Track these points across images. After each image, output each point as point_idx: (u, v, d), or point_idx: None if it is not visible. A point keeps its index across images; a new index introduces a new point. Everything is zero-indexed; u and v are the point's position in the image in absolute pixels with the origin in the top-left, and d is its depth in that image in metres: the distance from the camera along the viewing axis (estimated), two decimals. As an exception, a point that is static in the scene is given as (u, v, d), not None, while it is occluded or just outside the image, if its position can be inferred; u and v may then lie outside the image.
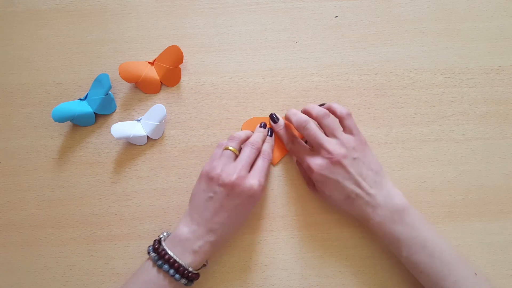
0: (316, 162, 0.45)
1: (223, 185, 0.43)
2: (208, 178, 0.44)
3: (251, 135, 0.49)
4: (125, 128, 0.50)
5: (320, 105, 0.49)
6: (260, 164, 0.46)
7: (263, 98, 0.53)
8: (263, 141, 0.49)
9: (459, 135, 0.52)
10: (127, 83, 0.53)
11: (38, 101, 0.53)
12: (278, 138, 0.52)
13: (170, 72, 0.53)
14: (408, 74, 0.54)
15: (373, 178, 0.45)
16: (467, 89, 0.54)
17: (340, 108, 0.47)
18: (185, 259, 0.41)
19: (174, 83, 0.54)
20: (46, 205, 0.51)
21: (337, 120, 0.47)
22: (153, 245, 0.43)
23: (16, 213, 0.50)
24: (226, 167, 0.44)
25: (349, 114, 0.47)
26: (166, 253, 0.41)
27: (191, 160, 0.51)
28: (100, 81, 0.51)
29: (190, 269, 0.41)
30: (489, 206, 0.51)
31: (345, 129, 0.46)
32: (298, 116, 0.47)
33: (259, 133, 0.49)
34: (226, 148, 0.46)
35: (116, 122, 0.51)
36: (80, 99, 0.52)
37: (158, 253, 0.42)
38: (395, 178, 0.51)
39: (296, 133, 0.51)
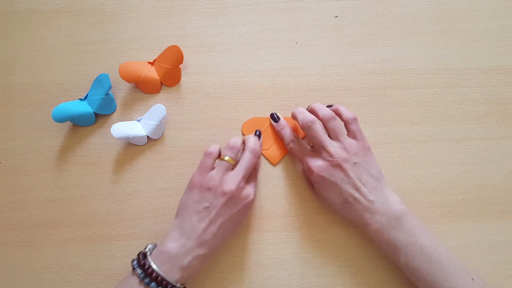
0: (316, 164, 0.45)
1: (222, 194, 0.42)
2: (204, 189, 0.43)
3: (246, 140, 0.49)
4: (125, 128, 0.50)
5: (327, 107, 0.48)
6: (254, 173, 0.47)
7: (263, 98, 0.53)
8: (261, 145, 0.49)
9: (459, 135, 0.52)
10: (127, 83, 0.53)
11: (38, 101, 0.53)
12: (279, 138, 0.52)
13: (170, 72, 0.53)
14: (408, 74, 0.54)
15: (372, 184, 0.44)
16: (467, 89, 0.54)
17: (346, 112, 0.47)
18: (173, 276, 0.40)
19: (174, 83, 0.54)
20: (46, 205, 0.51)
21: (343, 123, 0.47)
22: (138, 259, 0.42)
23: (16, 213, 0.50)
24: (225, 177, 0.43)
25: (355, 119, 0.46)
26: (153, 271, 0.40)
27: (191, 160, 0.51)
28: (100, 81, 0.51)
29: (178, 285, 0.41)
30: (489, 206, 0.51)
31: (350, 133, 0.46)
32: (304, 115, 0.46)
33: (255, 136, 0.48)
34: (222, 159, 0.45)
35: (116, 122, 0.51)
36: (80, 99, 0.52)
37: (144, 270, 0.40)
38: (395, 178, 0.51)
39: (300, 133, 0.51)
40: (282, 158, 0.52)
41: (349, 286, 0.48)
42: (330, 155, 0.44)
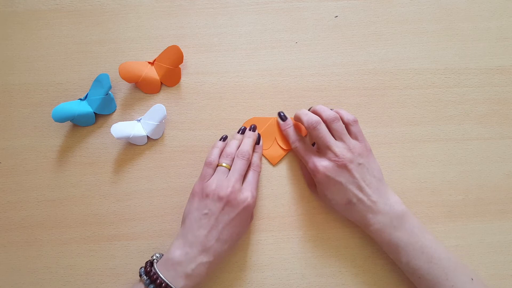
0: (322, 164, 0.45)
1: (218, 199, 0.43)
2: (203, 196, 0.44)
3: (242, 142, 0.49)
4: (125, 128, 0.50)
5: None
6: (251, 176, 0.47)
7: (263, 98, 0.53)
8: (252, 148, 0.49)
9: (459, 135, 0.52)
10: (127, 83, 0.54)
11: (38, 101, 0.53)
12: (279, 138, 0.52)
13: (170, 72, 0.53)
14: (408, 74, 0.54)
15: (375, 185, 0.45)
16: (467, 89, 0.54)
17: (347, 115, 0.47)
18: (178, 284, 0.40)
19: (174, 83, 0.54)
20: (46, 205, 0.51)
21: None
22: (145, 267, 0.43)
23: (16, 213, 0.50)
24: (220, 182, 0.44)
25: (356, 121, 0.47)
26: (158, 277, 0.40)
27: (191, 160, 0.51)
28: (100, 81, 0.51)
29: None
30: (489, 206, 0.51)
31: (351, 135, 0.47)
32: (309, 116, 0.47)
33: (249, 138, 0.49)
34: (220, 165, 0.47)
35: (116, 122, 0.51)
36: (80, 99, 0.52)
37: (149, 276, 0.41)
38: (395, 178, 0.51)
39: (303, 133, 0.51)
40: (282, 158, 0.52)
41: (349, 286, 0.48)
42: (336, 155, 0.44)
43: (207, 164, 0.47)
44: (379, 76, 0.54)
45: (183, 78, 0.54)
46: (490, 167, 0.52)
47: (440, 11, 0.56)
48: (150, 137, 0.52)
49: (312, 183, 0.49)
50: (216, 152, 0.48)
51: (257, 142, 0.50)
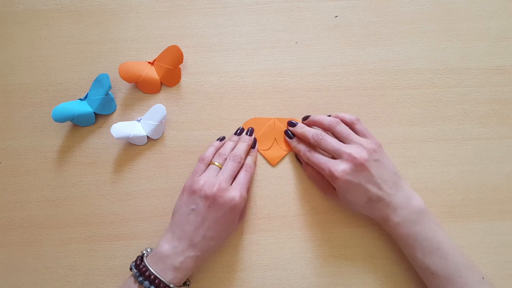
0: (339, 168, 0.44)
1: (205, 197, 0.43)
2: (191, 191, 0.44)
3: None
4: (125, 128, 0.50)
5: (306, 117, 0.51)
6: (242, 176, 0.46)
7: (263, 98, 0.53)
8: (246, 152, 0.49)
9: (459, 135, 0.52)
10: (127, 83, 0.54)
11: (38, 101, 0.53)
12: (279, 139, 0.52)
13: (170, 72, 0.53)
14: (408, 74, 0.54)
15: (393, 180, 0.45)
16: (467, 89, 0.54)
17: (348, 116, 0.48)
18: (166, 276, 0.41)
19: (174, 83, 0.54)
20: (46, 205, 0.51)
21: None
22: (135, 261, 0.44)
23: (16, 213, 0.50)
24: (208, 180, 0.44)
25: (358, 119, 0.48)
26: (147, 270, 0.41)
27: (191, 160, 0.51)
28: (100, 81, 0.51)
29: (171, 285, 0.41)
30: (489, 206, 0.51)
31: (358, 133, 0.47)
32: (311, 131, 0.48)
33: (243, 143, 0.49)
34: (213, 163, 0.47)
35: (116, 122, 0.51)
36: (80, 99, 0.52)
37: (139, 269, 0.42)
38: (395, 178, 0.51)
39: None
40: (281, 159, 0.52)
41: (349, 286, 0.48)
42: (351, 156, 0.44)
43: (200, 160, 0.48)
44: (379, 76, 0.54)
45: (183, 78, 0.54)
46: (490, 167, 0.52)
47: (440, 11, 0.56)
48: (150, 137, 0.52)
49: (326, 189, 0.49)
50: (211, 150, 0.49)
51: (253, 146, 0.50)
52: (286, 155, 0.52)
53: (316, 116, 0.49)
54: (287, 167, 0.52)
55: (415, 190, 0.50)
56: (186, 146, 0.52)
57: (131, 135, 0.50)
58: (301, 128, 0.49)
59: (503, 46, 0.55)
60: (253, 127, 0.52)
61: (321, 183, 0.49)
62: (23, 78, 0.54)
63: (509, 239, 0.50)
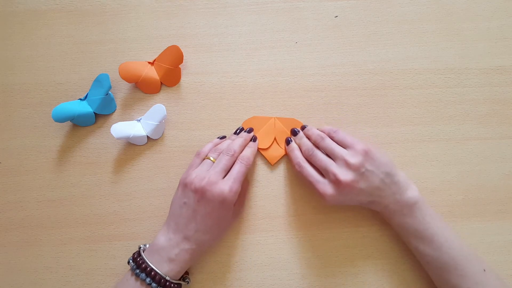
0: (328, 192, 0.44)
1: (195, 190, 0.43)
2: (184, 185, 0.45)
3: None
4: (125, 128, 0.50)
5: (303, 127, 0.51)
6: (236, 169, 0.45)
7: (263, 98, 0.53)
8: (242, 147, 0.48)
9: (459, 135, 0.52)
10: (127, 83, 0.53)
11: (38, 101, 0.53)
12: (278, 138, 0.52)
13: (170, 72, 0.53)
14: (408, 74, 0.54)
15: (385, 181, 0.44)
16: (467, 89, 0.54)
17: (327, 128, 0.49)
18: (162, 268, 0.42)
19: (174, 83, 0.54)
20: (46, 205, 0.51)
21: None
22: (133, 255, 0.44)
23: (16, 213, 0.50)
24: (199, 173, 0.44)
25: (337, 130, 0.48)
26: (144, 262, 0.42)
27: (191, 160, 0.51)
28: (100, 81, 0.51)
29: (167, 277, 0.41)
30: (489, 206, 0.51)
31: (339, 144, 0.47)
32: (306, 145, 0.48)
33: (240, 138, 0.49)
34: (208, 158, 0.47)
35: (116, 122, 0.51)
36: (80, 99, 0.52)
37: (136, 262, 0.43)
38: (395, 178, 0.51)
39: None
40: (280, 158, 0.52)
41: (349, 286, 0.48)
42: (336, 178, 0.43)
43: (196, 154, 0.48)
44: (379, 76, 0.54)
45: (183, 78, 0.54)
46: (490, 167, 0.52)
47: (440, 11, 0.56)
48: (150, 137, 0.52)
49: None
50: (209, 146, 0.49)
51: (253, 140, 0.50)
52: (285, 154, 0.52)
53: (309, 130, 0.50)
54: (287, 167, 0.52)
55: (415, 190, 0.51)
56: (186, 146, 0.52)
57: (131, 135, 0.50)
58: (299, 139, 0.50)
59: (503, 46, 0.55)
60: (253, 125, 0.52)
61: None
62: (23, 78, 0.54)
63: (509, 239, 0.50)
